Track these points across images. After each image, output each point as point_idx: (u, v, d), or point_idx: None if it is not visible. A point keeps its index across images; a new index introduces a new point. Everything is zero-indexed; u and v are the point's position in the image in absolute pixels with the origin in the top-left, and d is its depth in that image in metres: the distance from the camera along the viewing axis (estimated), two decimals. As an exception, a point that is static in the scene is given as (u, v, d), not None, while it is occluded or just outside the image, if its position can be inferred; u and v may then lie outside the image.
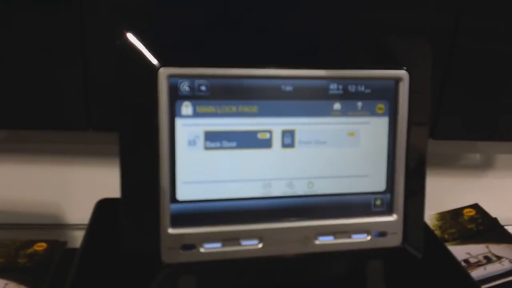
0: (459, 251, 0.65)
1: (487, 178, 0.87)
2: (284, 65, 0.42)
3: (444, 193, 0.83)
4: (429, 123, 0.47)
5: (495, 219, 0.72)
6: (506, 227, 0.78)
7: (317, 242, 0.44)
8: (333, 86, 0.43)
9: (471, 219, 0.70)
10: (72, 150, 0.75)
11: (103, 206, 0.55)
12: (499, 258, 0.63)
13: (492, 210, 0.79)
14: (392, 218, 0.46)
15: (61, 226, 0.76)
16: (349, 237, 0.45)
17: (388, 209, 0.46)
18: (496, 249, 0.64)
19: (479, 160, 0.88)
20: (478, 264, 0.62)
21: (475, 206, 0.73)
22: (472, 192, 0.85)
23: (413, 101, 0.45)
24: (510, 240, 0.66)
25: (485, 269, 0.61)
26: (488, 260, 0.62)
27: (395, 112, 0.45)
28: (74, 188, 0.77)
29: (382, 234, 0.46)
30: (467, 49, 0.66)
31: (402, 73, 0.44)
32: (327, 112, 0.43)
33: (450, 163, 0.86)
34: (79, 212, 0.72)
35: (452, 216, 0.72)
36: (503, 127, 0.75)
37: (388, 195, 0.46)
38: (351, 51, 0.45)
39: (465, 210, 0.72)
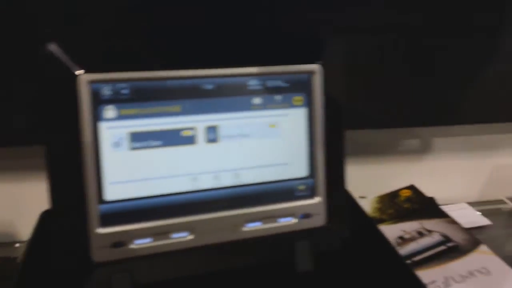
0: (396, 229, 0.69)
1: (425, 161, 0.92)
2: (204, 65, 0.44)
3: (386, 178, 0.87)
4: (343, 113, 0.51)
5: (430, 198, 0.77)
6: (442, 206, 0.83)
7: (245, 228, 0.47)
8: (252, 82, 0.46)
9: (407, 199, 0.75)
10: (19, 165, 0.76)
11: (47, 217, 0.56)
12: (430, 232, 0.67)
13: (429, 190, 0.84)
14: (315, 200, 0.49)
15: (11, 244, 0.76)
16: (276, 221, 0.48)
17: (311, 193, 0.49)
18: (428, 224, 0.69)
19: (417, 145, 0.93)
20: (411, 239, 0.66)
21: (411, 187, 0.78)
22: (411, 175, 0.89)
23: (328, 93, 0.48)
24: (441, 215, 0.71)
25: (417, 243, 0.65)
26: (421, 234, 0.67)
27: (312, 103, 0.48)
28: (24, 204, 0.77)
29: (307, 216, 0.49)
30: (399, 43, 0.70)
31: (315, 67, 0.47)
32: (248, 106, 0.46)
33: (391, 149, 0.91)
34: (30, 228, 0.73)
35: (390, 198, 0.76)
36: (438, 113, 0.80)
37: (311, 180, 0.49)
38: (268, 48, 0.48)
39: (402, 192, 0.77)
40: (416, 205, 0.73)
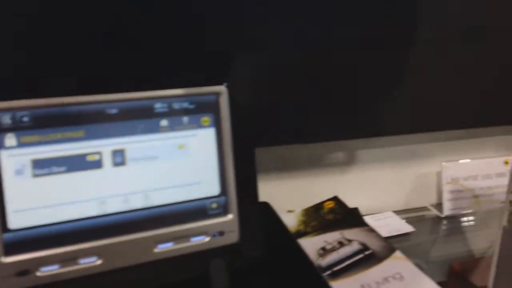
0: (319, 240, 0.71)
1: (351, 173, 0.95)
2: (107, 90, 0.45)
3: (314, 191, 0.90)
4: (254, 131, 0.52)
5: (353, 209, 0.79)
6: (368, 216, 0.87)
7: (157, 250, 0.47)
8: (158, 105, 0.47)
9: (330, 211, 0.77)
10: None
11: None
12: (350, 241, 0.69)
13: (356, 201, 0.87)
14: (228, 218, 0.50)
15: None
16: (189, 240, 0.49)
17: (224, 211, 0.50)
18: (349, 233, 0.71)
19: (342, 158, 0.96)
20: (332, 250, 0.68)
21: (335, 199, 0.80)
22: (338, 187, 0.92)
23: (235, 112, 0.50)
24: (361, 224, 0.73)
25: (338, 253, 0.67)
26: (341, 244, 0.69)
27: (219, 123, 0.49)
28: None
29: (220, 233, 0.50)
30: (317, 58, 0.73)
31: (221, 88, 0.49)
32: (155, 129, 0.47)
33: (318, 163, 0.93)
34: None
35: (315, 210, 0.78)
36: (361, 125, 0.83)
37: (223, 198, 0.50)
38: (174, 72, 0.49)
39: (325, 203, 0.79)
40: (339, 216, 0.76)
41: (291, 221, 0.77)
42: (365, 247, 0.68)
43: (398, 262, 0.65)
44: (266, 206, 0.70)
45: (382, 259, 0.65)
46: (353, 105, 0.82)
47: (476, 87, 0.86)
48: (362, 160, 0.95)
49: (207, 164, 0.49)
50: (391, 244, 0.68)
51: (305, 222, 0.76)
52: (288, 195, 0.89)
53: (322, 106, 0.80)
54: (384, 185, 0.97)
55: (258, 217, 0.53)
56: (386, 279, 0.61)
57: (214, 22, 0.61)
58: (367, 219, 0.86)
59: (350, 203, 0.83)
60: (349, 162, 0.95)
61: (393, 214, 0.93)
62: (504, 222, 0.58)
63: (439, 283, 0.69)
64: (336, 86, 0.77)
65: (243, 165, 0.51)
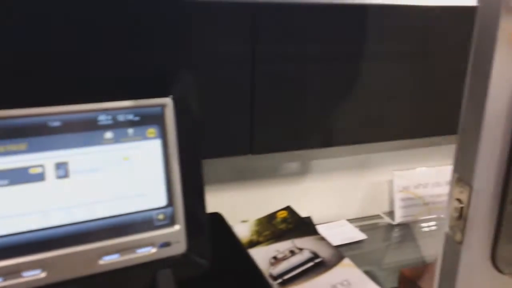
0: (271, 250, 0.72)
1: (305, 183, 0.97)
2: (49, 103, 0.45)
3: (269, 201, 0.91)
4: (200, 142, 0.53)
5: (306, 218, 0.81)
6: (322, 225, 0.88)
7: (102, 262, 0.47)
8: (102, 117, 0.47)
9: (283, 220, 0.79)
10: None
11: None
12: (301, 250, 0.71)
13: (310, 210, 0.89)
14: (175, 229, 0.51)
15: None
16: (135, 252, 0.49)
17: (171, 222, 0.51)
18: (300, 242, 0.73)
19: (297, 168, 0.98)
20: (284, 258, 0.69)
21: (287, 208, 0.81)
22: (292, 197, 0.94)
23: (181, 124, 0.51)
24: (312, 233, 0.75)
25: (289, 261, 0.68)
26: (292, 253, 0.70)
27: (165, 135, 0.50)
28: None
29: (167, 244, 0.50)
30: (266, 72, 0.75)
31: (167, 100, 0.50)
32: (99, 141, 0.47)
33: (273, 173, 0.94)
34: None
35: (268, 220, 0.79)
36: (314, 136, 0.85)
37: (170, 209, 0.51)
38: (119, 84, 0.50)
39: (278, 213, 0.80)
40: (291, 225, 0.77)
41: (244, 231, 0.78)
42: (315, 255, 0.69)
43: (346, 269, 0.66)
44: (218, 216, 0.70)
45: (331, 266, 0.67)
46: (305, 116, 0.84)
47: (420, 100, 0.89)
48: (316, 170, 0.97)
49: (153, 176, 0.50)
50: (341, 252, 0.70)
51: (258, 232, 0.77)
52: (244, 206, 0.90)
53: (273, 118, 0.81)
54: (337, 194, 1.00)
55: (206, 227, 0.53)
56: (334, 286, 0.63)
57: (160, 37, 0.62)
58: (321, 227, 0.87)
59: (304, 212, 0.85)
60: (303, 172, 0.96)
61: (346, 223, 0.95)
62: (446, 229, 0.60)
63: (390, 290, 0.71)
64: (287, 99, 0.79)
65: (190, 176, 0.52)
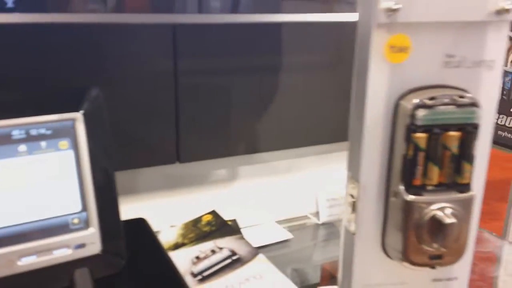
0: (194, 250, 0.78)
1: (233, 188, 1.03)
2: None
3: (198, 207, 0.96)
4: (110, 153, 0.59)
5: (232, 220, 0.87)
6: (251, 227, 0.95)
7: (20, 263, 0.52)
8: (15, 132, 0.52)
9: (207, 223, 0.85)
10: None
11: None
12: (221, 249, 0.77)
13: (240, 214, 0.95)
14: (89, 232, 0.56)
15: None
16: (52, 253, 0.54)
17: (85, 225, 0.56)
18: (221, 242, 0.79)
19: (226, 174, 1.04)
20: (205, 257, 0.75)
21: (212, 212, 0.88)
22: (222, 202, 1.00)
23: (92, 136, 0.56)
24: (233, 233, 0.81)
25: (209, 260, 0.75)
26: (213, 252, 0.76)
27: (77, 146, 0.55)
28: None
29: (82, 246, 0.56)
30: (188, 85, 0.81)
31: (77, 115, 0.55)
32: (13, 154, 0.52)
33: (201, 180, 1.00)
34: None
35: (193, 224, 0.85)
36: (241, 143, 0.92)
37: (84, 214, 0.56)
38: (31, 101, 0.55)
39: (204, 217, 0.87)
40: (214, 227, 0.83)
41: (171, 235, 0.83)
42: (233, 253, 0.75)
43: (260, 264, 0.73)
44: (142, 221, 0.76)
45: (247, 262, 0.73)
46: (229, 125, 0.91)
47: (340, 106, 0.97)
48: (244, 175, 1.03)
49: (67, 184, 0.55)
50: (256, 249, 0.77)
51: (183, 235, 0.82)
52: (174, 212, 0.95)
53: (198, 128, 0.88)
54: (266, 198, 1.06)
55: (120, 230, 0.59)
56: (247, 279, 0.69)
57: (72, 57, 0.68)
58: (250, 230, 0.94)
59: (235, 216, 0.91)
60: (231, 178, 1.03)
61: (275, 224, 1.02)
62: (345, 222, 0.67)
63: (314, 285, 0.78)
64: (210, 109, 0.86)
65: (103, 183, 0.57)
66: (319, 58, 0.95)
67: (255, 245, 0.83)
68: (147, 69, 0.80)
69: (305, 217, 1.09)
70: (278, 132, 0.97)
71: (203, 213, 0.89)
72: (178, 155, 0.89)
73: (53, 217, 0.55)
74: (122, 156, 0.82)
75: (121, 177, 0.85)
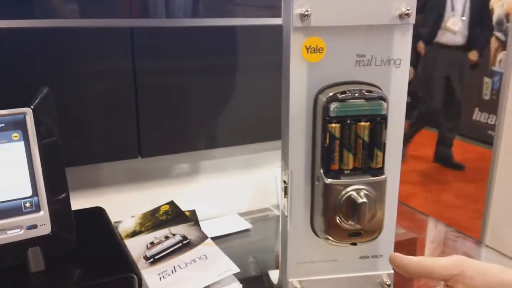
0: (149, 237, 0.84)
1: (194, 183, 1.09)
2: None
3: (160, 199, 1.02)
4: (60, 145, 0.65)
5: (191, 210, 0.94)
6: (215, 218, 1.01)
7: (-24, 241, 0.59)
8: (-30, 124, 0.59)
9: (164, 213, 0.91)
10: None
11: None
12: (174, 235, 0.84)
13: (203, 207, 1.02)
14: (40, 214, 0.63)
15: None
16: (6, 233, 0.61)
17: (36, 208, 0.63)
18: (175, 229, 0.86)
19: (188, 169, 1.11)
20: (159, 243, 0.82)
21: (170, 203, 0.94)
22: (184, 195, 1.06)
23: (41, 129, 0.63)
24: (186, 221, 0.88)
25: (162, 245, 0.81)
26: (167, 238, 0.83)
27: (27, 138, 0.62)
28: None
29: (34, 227, 0.62)
30: (147, 84, 0.88)
31: (27, 109, 0.62)
32: (-32, 144, 0.59)
33: (165, 174, 1.07)
34: None
35: (152, 213, 0.92)
36: (202, 139, 0.98)
37: (35, 198, 0.63)
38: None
39: (162, 207, 0.93)
40: (170, 216, 0.90)
41: (130, 223, 0.90)
42: (184, 238, 0.82)
43: (207, 247, 0.80)
44: (100, 210, 0.83)
45: (195, 245, 0.80)
46: (189, 122, 0.98)
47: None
48: (206, 170, 1.10)
49: (19, 171, 0.62)
50: (205, 234, 0.83)
51: (141, 224, 0.89)
52: (135, 204, 1.02)
53: (158, 124, 0.95)
54: (228, 191, 1.13)
55: (70, 213, 0.66)
56: (193, 260, 0.76)
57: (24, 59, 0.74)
58: (211, 221, 1.00)
59: (198, 209, 0.98)
60: (193, 173, 1.09)
61: (237, 216, 1.08)
62: (281, 206, 0.74)
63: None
64: (170, 107, 0.93)
65: (52, 171, 0.64)
66: (271, 59, 1.01)
67: (214, 234, 0.90)
68: (108, 69, 0.87)
69: (267, 209, 1.16)
70: (236, 128, 1.04)
71: (162, 204, 0.96)
72: (140, 150, 0.95)
73: (7, 201, 0.61)
74: (86, 151, 0.90)
75: (86, 171, 0.93)
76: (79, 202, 0.81)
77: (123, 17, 0.85)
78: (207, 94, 0.98)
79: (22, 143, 0.62)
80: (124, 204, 0.99)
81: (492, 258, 0.97)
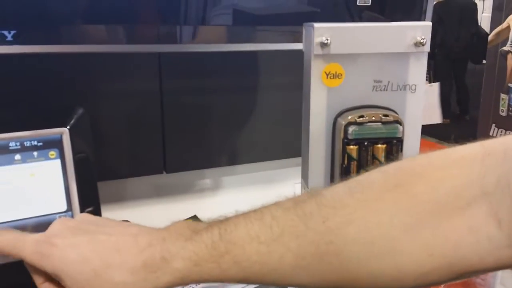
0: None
1: (216, 198, 1.13)
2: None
3: (182, 216, 1.06)
4: (93, 162, 0.69)
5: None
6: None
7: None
8: (12, 143, 0.64)
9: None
10: None
11: None
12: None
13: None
14: (73, 228, 0.67)
15: None
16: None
17: (70, 223, 0.67)
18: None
19: (208, 184, 1.14)
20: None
21: (193, 217, 0.98)
22: (203, 211, 1.09)
23: (76, 147, 0.67)
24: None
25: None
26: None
27: (64, 156, 0.66)
28: None
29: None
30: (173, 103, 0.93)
31: (64, 129, 0.66)
32: (10, 162, 0.63)
33: (186, 189, 1.11)
34: None
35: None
36: (219, 156, 1.02)
37: (70, 213, 0.67)
38: (27, 118, 0.66)
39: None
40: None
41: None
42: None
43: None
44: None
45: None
46: (212, 139, 1.02)
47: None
48: (227, 186, 1.13)
49: (55, 187, 0.66)
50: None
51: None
52: (160, 218, 1.05)
53: (183, 141, 0.99)
54: (250, 206, 1.15)
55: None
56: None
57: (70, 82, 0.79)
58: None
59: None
60: (215, 188, 1.13)
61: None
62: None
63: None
64: (194, 124, 0.97)
65: (86, 187, 0.68)
66: (291, 79, 1.05)
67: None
68: (136, 89, 0.92)
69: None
70: (257, 145, 1.07)
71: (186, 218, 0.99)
72: (165, 166, 0.99)
73: (44, 215, 0.65)
74: (114, 167, 0.94)
75: (112, 186, 0.97)
76: (106, 215, 0.85)
77: (152, 42, 0.90)
78: (229, 113, 1.02)
79: (58, 161, 0.66)
80: (149, 218, 1.02)
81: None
